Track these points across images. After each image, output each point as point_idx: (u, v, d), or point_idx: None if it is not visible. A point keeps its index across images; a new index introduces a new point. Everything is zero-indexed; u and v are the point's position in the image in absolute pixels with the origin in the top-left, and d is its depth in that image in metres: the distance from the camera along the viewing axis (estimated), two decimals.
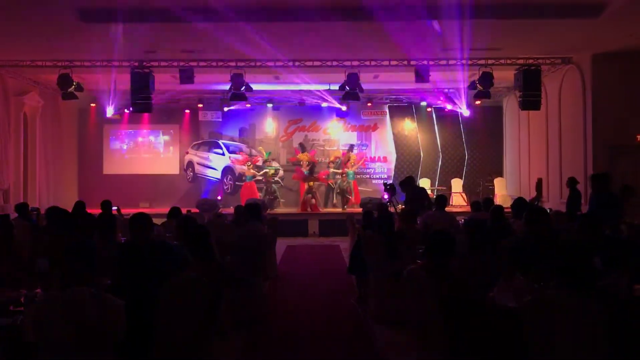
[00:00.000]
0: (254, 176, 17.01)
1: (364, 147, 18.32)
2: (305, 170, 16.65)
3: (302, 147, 17.54)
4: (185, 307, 3.56)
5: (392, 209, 9.63)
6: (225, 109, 17.45)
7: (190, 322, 3.55)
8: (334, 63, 12.76)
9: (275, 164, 17.63)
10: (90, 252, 3.29)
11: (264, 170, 17.21)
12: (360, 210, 13.89)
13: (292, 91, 16.51)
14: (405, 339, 5.52)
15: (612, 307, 3.03)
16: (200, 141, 18.41)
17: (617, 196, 7.88)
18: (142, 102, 12.82)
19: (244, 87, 12.94)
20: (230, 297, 5.76)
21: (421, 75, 12.56)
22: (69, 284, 3.24)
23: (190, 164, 18.38)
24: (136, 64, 12.59)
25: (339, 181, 16.96)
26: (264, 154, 17.69)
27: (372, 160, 18.35)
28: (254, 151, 18.05)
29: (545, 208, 10.13)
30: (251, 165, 17.11)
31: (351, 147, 17.81)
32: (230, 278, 5.05)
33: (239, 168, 17.72)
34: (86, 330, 3.02)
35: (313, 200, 15.98)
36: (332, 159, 17.71)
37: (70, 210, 7.87)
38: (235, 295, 6.01)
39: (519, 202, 7.47)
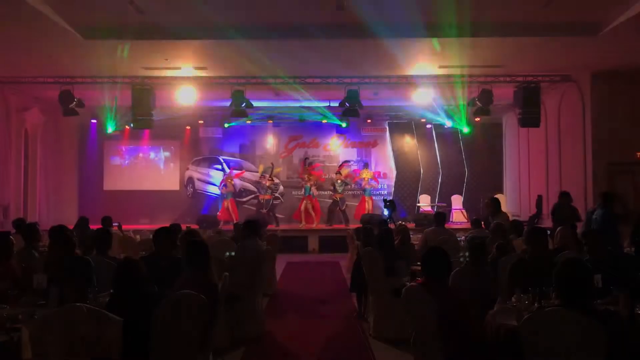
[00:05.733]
0: (232, 193, 16.81)
1: (363, 164, 18.27)
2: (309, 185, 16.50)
3: (307, 162, 17.36)
4: (181, 324, 3.54)
5: (392, 225, 9.62)
6: (226, 125, 17.51)
7: (186, 339, 3.53)
8: (334, 80, 12.82)
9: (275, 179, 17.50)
10: (88, 269, 3.29)
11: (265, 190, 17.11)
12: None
13: (292, 108, 16.53)
14: (405, 356, 5.46)
15: (613, 326, 3.01)
16: (200, 157, 18.45)
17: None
18: (143, 119, 12.86)
19: (244, 104, 12.98)
20: (228, 314, 5.74)
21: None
22: (67, 300, 3.24)
23: (191, 180, 18.40)
24: (137, 80, 12.66)
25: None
26: (261, 169, 17.69)
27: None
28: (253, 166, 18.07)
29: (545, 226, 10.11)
30: (232, 181, 16.88)
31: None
32: (227, 295, 5.01)
33: (238, 184, 17.69)
34: (84, 347, 3.01)
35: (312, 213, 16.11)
36: (343, 177, 16.96)
37: (71, 226, 7.85)
38: (233, 312, 5.98)
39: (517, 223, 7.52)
